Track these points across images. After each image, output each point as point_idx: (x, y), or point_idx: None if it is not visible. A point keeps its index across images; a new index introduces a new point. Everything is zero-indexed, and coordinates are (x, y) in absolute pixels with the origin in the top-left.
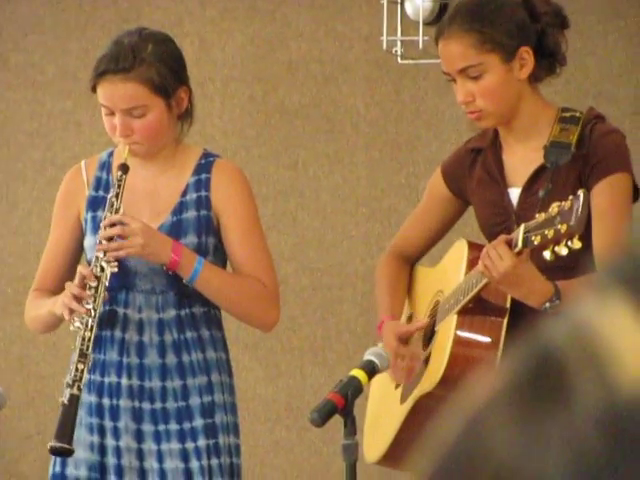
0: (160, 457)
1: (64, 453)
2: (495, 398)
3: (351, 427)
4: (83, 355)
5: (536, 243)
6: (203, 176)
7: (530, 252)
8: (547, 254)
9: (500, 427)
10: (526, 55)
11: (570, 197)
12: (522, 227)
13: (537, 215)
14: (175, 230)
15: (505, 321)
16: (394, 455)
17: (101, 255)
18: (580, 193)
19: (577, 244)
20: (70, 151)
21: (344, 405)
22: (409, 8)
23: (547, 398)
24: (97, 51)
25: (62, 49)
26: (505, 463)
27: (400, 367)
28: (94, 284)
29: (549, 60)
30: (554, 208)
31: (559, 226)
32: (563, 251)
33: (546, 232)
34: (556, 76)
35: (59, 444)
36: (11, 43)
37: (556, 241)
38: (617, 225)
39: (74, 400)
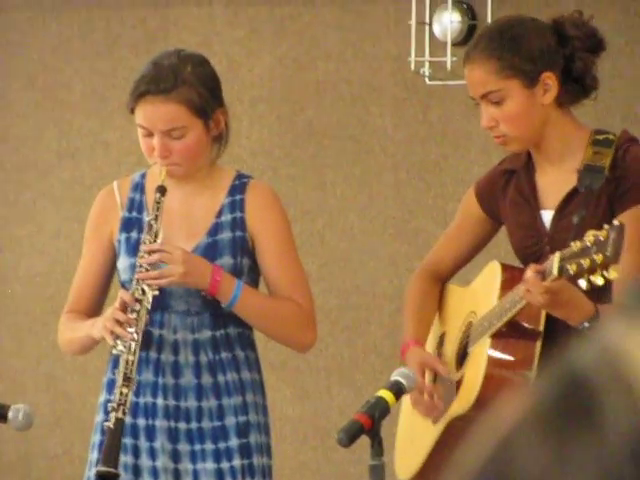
0: (196, 476)
1: (111, 477)
2: (525, 421)
3: (378, 448)
4: (127, 379)
5: (572, 272)
6: (237, 197)
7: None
8: (583, 283)
9: (530, 450)
10: (549, 81)
11: (606, 227)
12: (557, 255)
13: (572, 243)
14: (210, 251)
15: (539, 344)
16: (426, 475)
17: (141, 278)
18: (616, 223)
19: (613, 274)
20: (98, 171)
21: (371, 426)
22: (437, 29)
23: (577, 421)
24: (125, 71)
25: (90, 69)
26: None
27: (422, 402)
28: (136, 308)
29: (577, 84)
30: (590, 237)
31: (595, 256)
32: (599, 281)
33: (582, 261)
34: (592, 99)
35: (106, 469)
36: (39, 63)
37: (592, 271)
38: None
39: (119, 424)
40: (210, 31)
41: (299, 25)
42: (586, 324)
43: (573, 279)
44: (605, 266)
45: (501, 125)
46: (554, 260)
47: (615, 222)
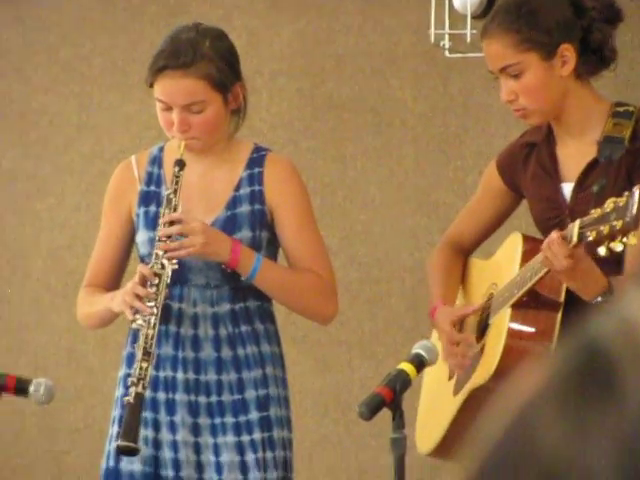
0: (216, 450)
1: (131, 452)
2: (544, 391)
3: (399, 420)
4: (147, 353)
5: (591, 239)
6: (256, 170)
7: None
8: (602, 250)
9: (549, 420)
10: (567, 52)
11: (626, 193)
12: (577, 222)
13: (592, 211)
14: (229, 224)
15: (559, 315)
16: (447, 447)
17: (161, 253)
18: (636, 190)
19: (632, 240)
20: (118, 144)
21: (392, 398)
22: (457, 1)
23: (596, 392)
24: (145, 45)
25: (110, 43)
26: (554, 457)
27: (455, 353)
28: (155, 282)
29: (596, 55)
30: (609, 204)
31: (614, 222)
32: (618, 247)
33: (601, 228)
34: (612, 70)
35: (126, 443)
36: (60, 37)
37: (611, 237)
38: None
39: (139, 399)
40: (230, 4)
41: None
42: (599, 298)
43: (592, 246)
44: (625, 232)
45: (520, 98)
46: (574, 227)
47: (635, 189)
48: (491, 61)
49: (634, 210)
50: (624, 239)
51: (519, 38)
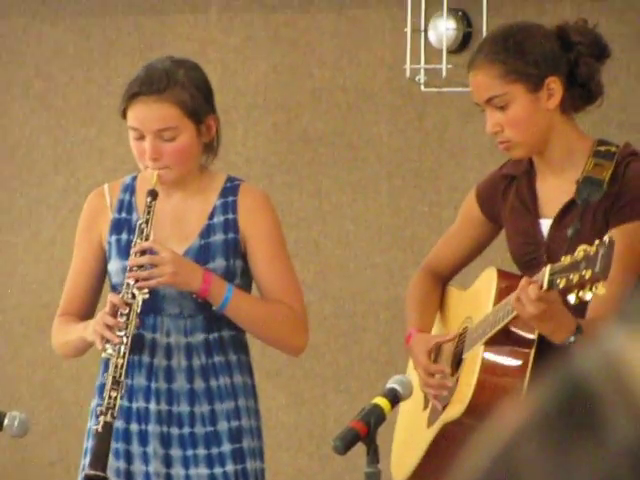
0: None
1: None
2: (526, 427)
3: (374, 455)
4: (116, 382)
5: (561, 286)
6: (230, 199)
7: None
8: (572, 298)
9: (531, 457)
10: (554, 85)
11: (596, 242)
12: (548, 269)
13: (563, 258)
14: (203, 253)
15: (532, 351)
16: (420, 478)
17: (132, 282)
18: (606, 239)
19: (601, 290)
20: (93, 178)
21: (367, 433)
22: (432, 36)
23: (578, 428)
24: (120, 78)
25: (85, 76)
26: None
27: (431, 384)
28: (126, 311)
29: (582, 90)
30: (580, 252)
31: (584, 272)
32: (587, 296)
33: (571, 276)
34: (597, 106)
35: (94, 472)
36: (34, 70)
37: (580, 286)
38: (622, 275)
39: (108, 428)
40: (205, 38)
41: (294, 32)
42: (571, 339)
43: (562, 293)
44: (593, 282)
45: (506, 130)
46: (544, 273)
47: (605, 238)
48: (477, 92)
49: (604, 260)
50: (593, 288)
51: (506, 69)
